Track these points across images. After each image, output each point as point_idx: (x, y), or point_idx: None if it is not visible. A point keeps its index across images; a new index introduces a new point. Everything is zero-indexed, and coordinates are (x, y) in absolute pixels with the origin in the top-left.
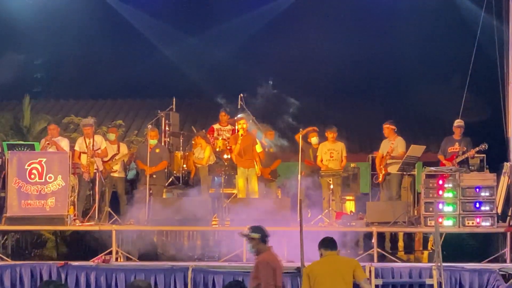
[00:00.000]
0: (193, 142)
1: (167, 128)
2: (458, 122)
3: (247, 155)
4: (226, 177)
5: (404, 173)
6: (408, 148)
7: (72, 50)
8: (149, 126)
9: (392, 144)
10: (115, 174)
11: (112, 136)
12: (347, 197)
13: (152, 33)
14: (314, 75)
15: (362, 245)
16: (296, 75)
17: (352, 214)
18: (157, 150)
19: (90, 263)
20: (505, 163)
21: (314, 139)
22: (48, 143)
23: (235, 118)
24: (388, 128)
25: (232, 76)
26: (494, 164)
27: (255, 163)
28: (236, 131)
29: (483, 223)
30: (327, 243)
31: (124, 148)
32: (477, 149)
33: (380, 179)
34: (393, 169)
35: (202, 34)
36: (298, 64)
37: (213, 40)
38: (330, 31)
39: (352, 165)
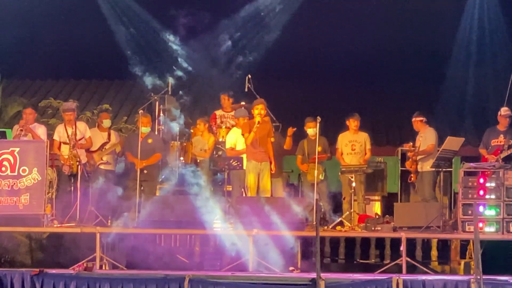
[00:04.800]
0: (191, 131)
1: (161, 114)
2: (506, 111)
3: (261, 147)
4: (230, 172)
5: (439, 169)
6: (438, 140)
7: (50, 22)
8: (141, 111)
9: (421, 138)
10: (102, 166)
11: (107, 123)
12: (372, 197)
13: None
14: (333, 56)
15: (389, 254)
16: (312, 56)
17: (377, 217)
18: (150, 140)
19: (69, 271)
20: None
21: (311, 130)
22: (22, 130)
23: (241, 103)
24: (415, 121)
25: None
26: None
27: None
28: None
29: None
30: None
31: (115, 137)
32: None
33: (413, 178)
34: (425, 166)
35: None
36: (314, 44)
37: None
38: (353, 8)
39: (378, 159)
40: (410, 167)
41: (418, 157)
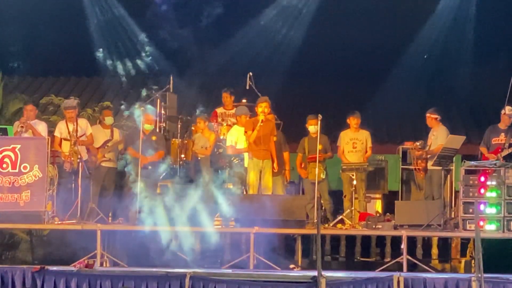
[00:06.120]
0: (192, 128)
1: (162, 112)
2: (510, 110)
3: (264, 145)
4: (230, 169)
5: (448, 168)
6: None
7: (52, 19)
8: (142, 108)
9: (433, 136)
10: (104, 164)
11: (110, 120)
12: (373, 195)
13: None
14: (335, 53)
15: (390, 252)
16: (314, 54)
17: (378, 215)
18: (154, 138)
19: (70, 268)
20: None
21: (312, 128)
22: (23, 126)
23: (241, 101)
24: (429, 117)
25: (240, 54)
26: None
27: (271, 155)
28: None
29: None
30: None
31: (117, 134)
32: None
33: (422, 175)
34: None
35: None
36: (315, 42)
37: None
38: (354, 6)
39: (379, 157)
40: (418, 165)
41: (428, 155)
